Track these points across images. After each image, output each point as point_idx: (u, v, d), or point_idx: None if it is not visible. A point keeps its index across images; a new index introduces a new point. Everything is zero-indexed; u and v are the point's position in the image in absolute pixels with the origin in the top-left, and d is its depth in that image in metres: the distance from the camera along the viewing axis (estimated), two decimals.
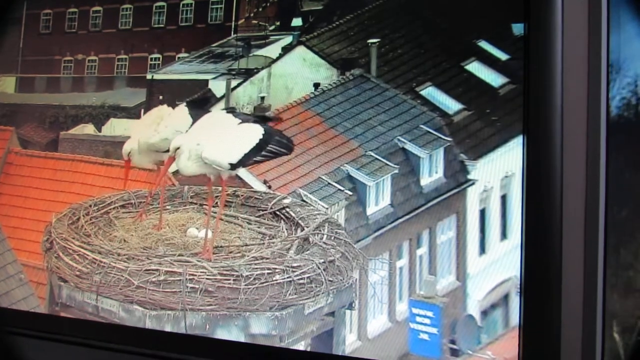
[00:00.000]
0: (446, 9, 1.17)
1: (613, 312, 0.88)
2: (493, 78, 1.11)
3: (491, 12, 1.10)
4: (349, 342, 1.16)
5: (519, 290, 0.99)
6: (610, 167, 0.88)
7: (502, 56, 1.10)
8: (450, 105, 1.15)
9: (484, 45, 1.12)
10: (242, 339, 1.17)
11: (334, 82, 1.26)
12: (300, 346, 1.18)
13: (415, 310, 1.11)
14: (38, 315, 1.36)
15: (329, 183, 1.22)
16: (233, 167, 1.19)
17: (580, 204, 0.90)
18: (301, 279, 1.16)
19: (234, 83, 1.35)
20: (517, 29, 1.05)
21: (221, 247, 1.25)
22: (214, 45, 1.40)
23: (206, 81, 1.38)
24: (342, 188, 1.21)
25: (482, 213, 1.10)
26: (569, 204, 0.90)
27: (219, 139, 1.19)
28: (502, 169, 1.08)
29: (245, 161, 1.19)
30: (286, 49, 1.31)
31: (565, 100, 0.91)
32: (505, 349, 1.01)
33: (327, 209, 1.23)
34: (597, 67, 0.88)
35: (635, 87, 0.89)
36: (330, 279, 1.17)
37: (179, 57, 1.43)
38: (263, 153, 1.20)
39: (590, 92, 0.89)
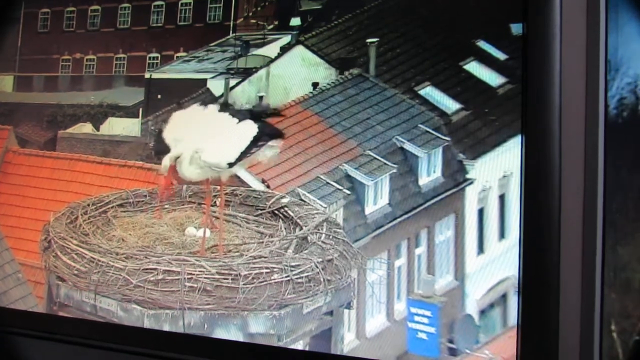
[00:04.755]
0: (445, 8, 1.17)
1: (611, 312, 0.88)
2: (491, 78, 1.11)
3: (490, 12, 1.10)
4: (347, 341, 1.16)
5: (517, 290, 0.99)
6: (608, 167, 0.88)
7: (501, 56, 1.10)
8: (449, 104, 1.15)
9: (483, 45, 1.12)
10: (240, 338, 1.17)
11: (332, 82, 1.25)
12: (299, 345, 1.18)
13: (413, 310, 1.11)
14: (36, 315, 1.36)
15: (327, 182, 1.22)
16: (231, 165, 1.20)
17: (578, 204, 0.90)
18: (299, 278, 1.16)
19: (232, 82, 1.35)
20: (516, 28, 1.05)
21: (217, 245, 1.24)
22: (212, 44, 1.40)
23: (204, 80, 1.38)
24: (340, 187, 1.21)
25: (481, 212, 1.10)
26: (567, 204, 0.90)
27: (216, 141, 1.20)
28: (500, 168, 1.09)
29: (242, 158, 1.21)
30: (285, 49, 1.31)
31: (563, 99, 0.91)
32: (504, 348, 1.01)
33: (325, 208, 1.23)
34: (595, 67, 0.88)
35: (634, 87, 0.90)
36: (329, 278, 1.17)
37: (177, 56, 1.43)
38: (257, 145, 1.21)
39: (589, 92, 0.89)
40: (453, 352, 1.07)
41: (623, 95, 0.90)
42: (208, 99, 1.36)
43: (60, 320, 1.30)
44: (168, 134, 1.25)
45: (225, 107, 1.28)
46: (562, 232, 0.90)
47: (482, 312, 1.07)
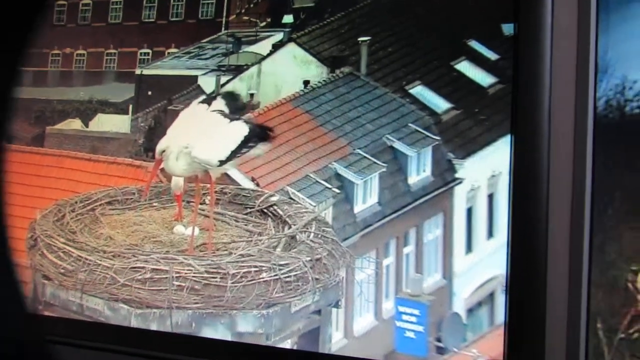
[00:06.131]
0: (437, 8, 1.17)
1: (597, 310, 0.89)
2: (482, 77, 1.11)
3: (482, 12, 1.11)
4: (335, 340, 1.16)
5: (504, 289, 0.99)
6: (596, 167, 0.89)
7: (492, 56, 1.11)
8: (439, 104, 1.15)
9: (474, 44, 1.12)
10: (228, 338, 1.16)
11: (323, 80, 1.25)
12: (287, 344, 1.17)
13: (401, 309, 1.10)
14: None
15: (316, 181, 1.22)
16: (222, 163, 1.20)
17: (566, 203, 0.90)
18: (288, 277, 1.16)
19: (223, 79, 1.35)
20: (507, 29, 1.05)
21: (206, 244, 1.24)
22: (204, 41, 1.39)
23: (196, 77, 1.37)
24: (329, 186, 1.21)
25: (469, 212, 1.11)
26: (555, 203, 0.91)
27: (207, 139, 1.20)
28: (489, 167, 1.09)
29: (232, 157, 1.20)
30: (277, 46, 1.31)
31: (553, 100, 0.91)
32: (491, 346, 1.01)
33: (314, 206, 1.22)
34: (585, 67, 0.89)
35: (622, 88, 0.90)
36: (317, 277, 1.17)
37: (169, 53, 1.43)
38: (247, 145, 1.21)
39: (578, 92, 0.90)
40: (441, 350, 1.07)
41: (611, 96, 0.90)
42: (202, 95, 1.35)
43: (46, 320, 1.28)
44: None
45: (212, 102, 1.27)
46: (550, 231, 0.90)
47: (470, 311, 1.08)
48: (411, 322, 1.09)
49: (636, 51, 0.89)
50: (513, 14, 0.96)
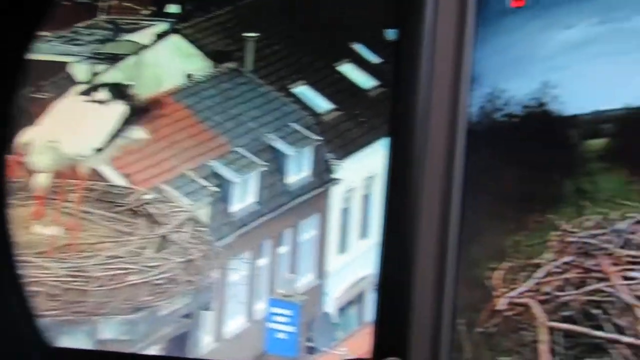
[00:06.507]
0: (324, 9, 1.19)
1: (460, 307, 0.94)
2: (364, 80, 1.15)
3: (367, 16, 1.14)
4: (205, 343, 1.13)
5: (374, 288, 1.01)
6: (467, 172, 0.94)
7: (375, 59, 1.15)
8: (322, 104, 1.17)
9: (358, 47, 1.16)
10: (89, 346, 1.10)
11: (206, 75, 1.23)
12: (154, 350, 1.12)
13: (274, 310, 1.10)
14: None
15: (193, 179, 1.18)
16: (99, 151, 1.14)
17: (437, 206, 0.95)
18: (158, 279, 1.11)
19: (99, 68, 1.28)
20: (391, 34, 1.09)
21: (69, 245, 1.15)
22: (79, 25, 1.32)
23: (67, 64, 1.29)
24: (207, 184, 1.18)
25: (345, 212, 1.14)
26: (426, 205, 0.95)
27: (78, 130, 1.14)
28: (366, 169, 1.12)
29: (109, 144, 1.15)
30: (159, 36, 1.27)
31: (429, 105, 0.96)
32: (359, 344, 1.03)
33: (190, 205, 1.18)
34: (460, 76, 0.94)
35: (493, 97, 0.97)
36: (189, 279, 1.13)
37: (39, 36, 1.33)
38: (126, 128, 1.16)
39: (453, 99, 0.95)
40: (311, 350, 1.08)
41: (483, 104, 0.96)
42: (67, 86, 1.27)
43: None
44: None
45: (88, 92, 1.20)
46: (420, 232, 0.94)
47: (341, 310, 1.10)
48: (283, 323, 1.09)
49: (506, 62, 0.97)
50: (396, 20, 1.00)
